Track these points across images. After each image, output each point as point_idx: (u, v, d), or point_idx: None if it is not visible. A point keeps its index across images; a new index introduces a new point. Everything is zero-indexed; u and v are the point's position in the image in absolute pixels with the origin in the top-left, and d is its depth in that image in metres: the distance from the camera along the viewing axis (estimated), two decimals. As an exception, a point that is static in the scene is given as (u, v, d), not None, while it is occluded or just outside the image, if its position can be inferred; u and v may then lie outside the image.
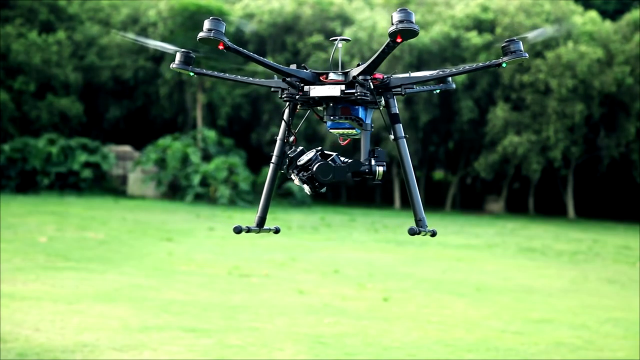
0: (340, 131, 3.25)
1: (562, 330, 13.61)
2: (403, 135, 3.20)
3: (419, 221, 3.33)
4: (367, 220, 33.86)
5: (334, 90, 3.13)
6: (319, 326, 12.87)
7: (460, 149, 45.99)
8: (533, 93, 39.93)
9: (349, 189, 47.56)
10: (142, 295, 14.66)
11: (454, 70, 3.24)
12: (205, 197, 38.77)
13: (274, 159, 3.24)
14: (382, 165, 3.16)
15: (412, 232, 3.24)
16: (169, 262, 19.38)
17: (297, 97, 3.22)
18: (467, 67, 3.17)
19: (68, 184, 39.74)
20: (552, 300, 16.88)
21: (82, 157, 39.66)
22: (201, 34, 3.06)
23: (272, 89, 3.32)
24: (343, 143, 3.33)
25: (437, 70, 3.27)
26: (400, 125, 3.19)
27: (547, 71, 39.05)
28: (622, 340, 13.13)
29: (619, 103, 40.47)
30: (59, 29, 41.96)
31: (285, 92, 3.25)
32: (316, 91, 3.17)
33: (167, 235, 24.81)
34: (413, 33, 2.84)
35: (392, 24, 2.85)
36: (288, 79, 3.23)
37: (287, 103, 3.26)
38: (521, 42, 3.09)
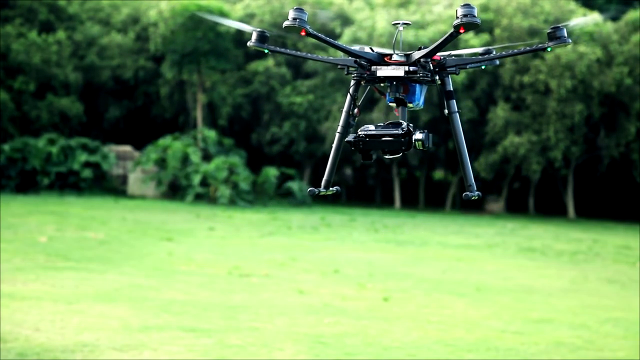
0: (396, 104, 3.64)
1: (562, 330, 13.61)
2: (456, 110, 3.60)
3: (469, 186, 3.68)
4: (367, 220, 33.86)
5: (399, 71, 3.54)
6: (319, 326, 12.87)
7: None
8: (533, 93, 39.93)
9: (349, 188, 47.56)
10: (142, 295, 14.66)
11: (503, 53, 3.67)
12: (205, 197, 38.77)
13: (339, 129, 3.64)
14: (422, 133, 3.52)
15: (466, 197, 3.64)
16: (169, 262, 19.38)
17: (364, 75, 3.61)
18: (515, 51, 3.63)
19: (68, 183, 39.74)
20: (552, 300, 16.88)
21: (82, 157, 39.65)
22: (286, 22, 3.40)
23: (339, 66, 3.70)
24: (397, 114, 3.68)
25: (480, 49, 3.71)
26: (454, 101, 3.61)
27: (546, 71, 39.06)
28: (622, 340, 13.13)
29: (618, 103, 40.46)
30: (58, 29, 41.95)
31: (352, 69, 3.64)
32: (382, 71, 3.57)
33: (167, 235, 24.80)
34: (475, 25, 3.23)
35: (457, 17, 3.24)
36: (358, 60, 3.61)
37: (354, 80, 3.65)
38: (565, 29, 3.41)
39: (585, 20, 3.75)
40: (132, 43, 44.03)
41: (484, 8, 41.81)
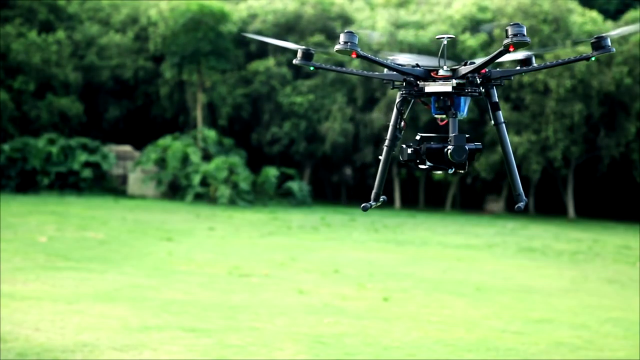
0: (444, 116, 3.72)
1: (562, 330, 13.61)
2: (503, 121, 3.71)
3: (518, 195, 3.68)
4: (367, 220, 33.86)
5: (447, 87, 3.61)
6: (319, 326, 12.87)
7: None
8: (532, 93, 39.93)
9: (349, 188, 47.56)
10: (142, 295, 14.66)
11: (548, 63, 3.75)
12: (205, 197, 38.77)
13: (387, 143, 3.76)
14: (453, 146, 3.59)
15: (518, 209, 3.63)
16: (169, 262, 19.37)
17: (413, 92, 3.70)
18: (560, 61, 3.65)
19: (68, 183, 39.73)
20: (552, 300, 16.88)
21: (82, 157, 39.64)
22: (338, 46, 3.50)
23: (385, 81, 3.78)
24: (442, 123, 3.77)
25: (524, 56, 3.74)
26: (500, 112, 3.69)
27: (546, 71, 39.04)
28: (622, 340, 13.14)
29: (618, 103, 40.46)
30: (58, 29, 41.95)
31: (398, 83, 3.73)
32: (431, 87, 3.65)
33: (167, 235, 24.80)
34: (524, 44, 3.34)
35: (507, 36, 3.34)
36: (406, 78, 3.69)
37: (401, 96, 3.74)
38: (609, 39, 3.50)
39: (628, 29, 3.82)
40: (132, 43, 44.02)
41: (482, 9, 41.83)
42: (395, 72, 3.70)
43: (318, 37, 41.74)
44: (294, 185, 40.61)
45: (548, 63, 3.74)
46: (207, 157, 40.48)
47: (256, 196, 39.44)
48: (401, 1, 45.14)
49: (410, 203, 44.23)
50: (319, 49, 3.75)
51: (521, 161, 40.47)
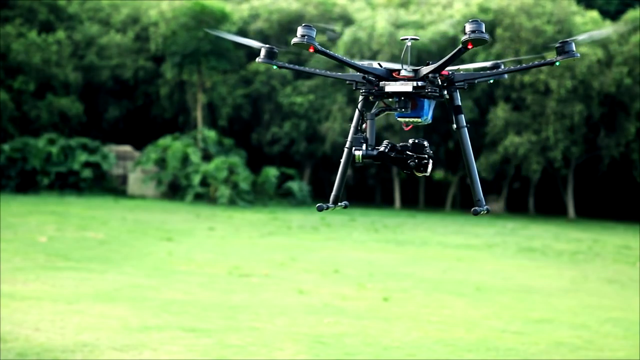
0: (407, 120, 3.69)
1: (562, 330, 13.61)
2: (465, 124, 3.66)
3: (477, 201, 3.66)
4: (367, 220, 33.86)
5: (407, 87, 3.56)
6: (319, 326, 12.87)
7: (461, 149, 45.94)
8: (533, 93, 39.94)
9: (349, 188, 47.56)
10: (142, 295, 14.66)
11: (511, 67, 3.72)
12: (205, 197, 38.77)
13: (347, 144, 3.67)
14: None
15: (475, 213, 3.61)
16: (169, 262, 19.37)
17: (373, 91, 3.63)
18: (524, 66, 3.61)
19: (68, 183, 39.73)
20: (552, 300, 16.88)
21: (82, 157, 39.65)
22: (295, 39, 3.43)
23: (347, 82, 3.71)
24: (406, 129, 3.77)
25: (489, 63, 3.73)
26: (463, 115, 3.65)
27: (546, 72, 39.05)
28: (622, 340, 13.14)
29: (618, 103, 40.46)
30: (58, 29, 41.95)
31: (360, 85, 3.66)
32: (391, 87, 3.59)
33: (167, 235, 24.80)
34: (483, 41, 3.25)
35: (465, 33, 3.26)
36: (366, 76, 3.62)
37: (362, 96, 3.67)
38: (573, 43, 3.44)
39: (594, 34, 3.76)
40: (132, 43, 44.02)
41: (484, 9, 41.83)
42: (356, 73, 3.65)
43: (320, 38, 41.71)
44: (294, 185, 40.61)
45: (512, 67, 3.70)
46: (207, 157, 40.48)
47: (256, 196, 39.44)
48: (402, 1, 45.14)
49: (410, 203, 44.23)
50: (282, 48, 3.69)
51: (521, 161, 40.48)
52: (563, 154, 40.68)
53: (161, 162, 40.13)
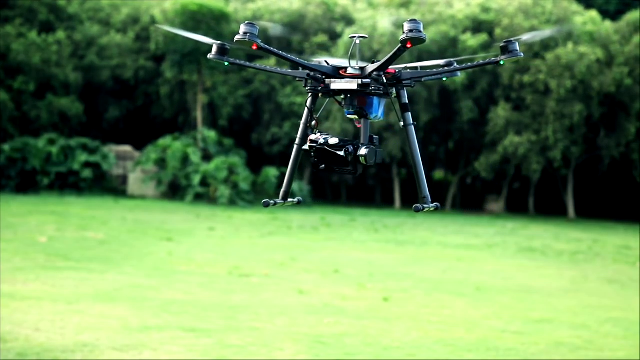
0: (355, 117, 3.70)
1: (562, 330, 13.61)
2: (412, 122, 3.65)
3: (422, 198, 3.76)
4: (367, 220, 33.86)
5: (352, 84, 3.59)
6: (319, 326, 12.87)
7: (461, 149, 45.99)
8: (533, 93, 39.93)
9: (349, 188, 47.56)
10: (142, 295, 14.66)
11: (457, 66, 3.69)
12: (205, 197, 38.77)
13: (297, 141, 3.71)
14: (368, 148, 3.55)
15: (417, 210, 3.68)
16: (169, 262, 19.37)
17: (319, 88, 3.68)
18: (470, 64, 3.61)
19: (68, 184, 39.72)
20: (552, 300, 16.88)
21: (82, 157, 39.63)
22: (237, 37, 3.50)
23: (297, 79, 3.74)
24: (359, 125, 3.73)
25: (442, 61, 3.73)
26: (410, 113, 3.63)
27: (546, 72, 39.05)
28: (622, 340, 13.14)
29: (618, 103, 40.46)
30: (58, 29, 41.93)
31: (309, 83, 3.69)
32: (336, 84, 3.63)
33: (167, 235, 24.80)
34: (420, 40, 3.26)
35: (404, 32, 3.26)
36: (311, 74, 3.65)
37: (310, 93, 3.72)
38: (517, 43, 3.49)
39: (537, 35, 3.80)
40: (132, 43, 44.02)
41: (485, 9, 41.82)
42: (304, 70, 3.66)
43: (322, 38, 41.79)
44: (294, 185, 40.60)
45: (458, 66, 3.70)
46: (207, 157, 40.48)
47: (256, 196, 39.43)
48: (403, 1, 45.14)
49: (411, 203, 44.05)
50: (234, 45, 3.70)
51: (521, 161, 40.48)
52: (563, 154, 40.68)
53: (161, 162, 40.12)
